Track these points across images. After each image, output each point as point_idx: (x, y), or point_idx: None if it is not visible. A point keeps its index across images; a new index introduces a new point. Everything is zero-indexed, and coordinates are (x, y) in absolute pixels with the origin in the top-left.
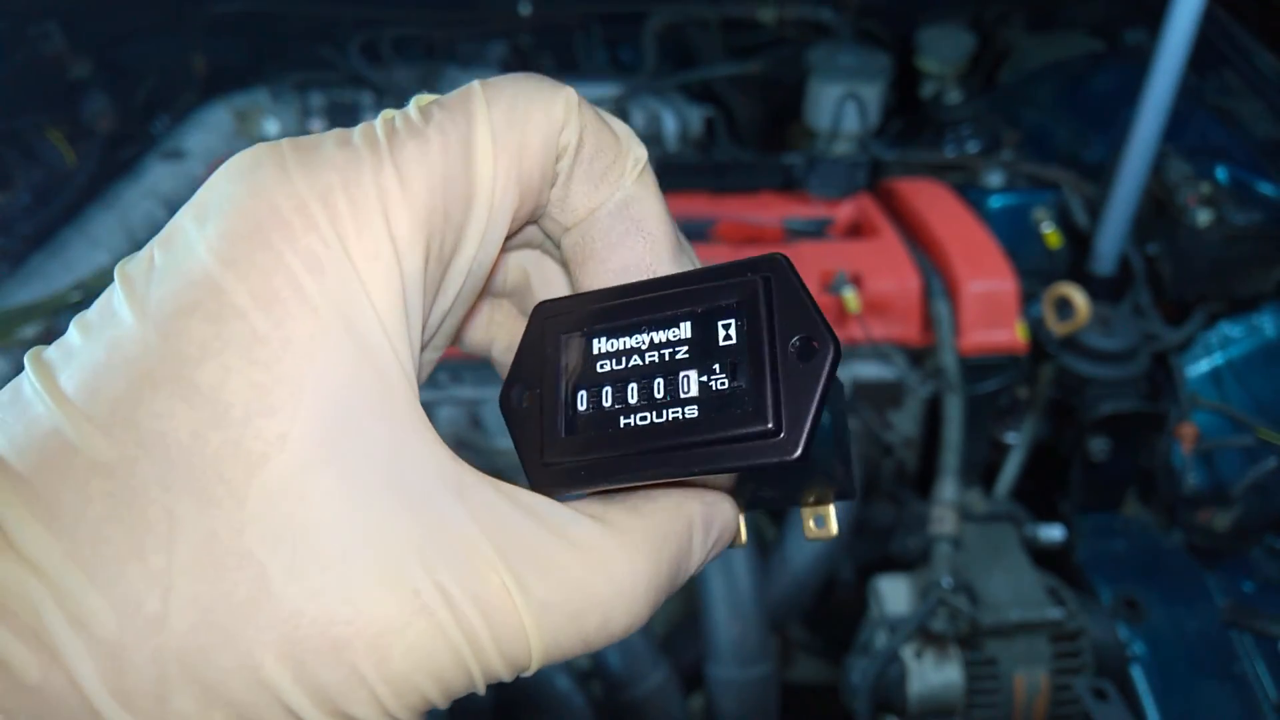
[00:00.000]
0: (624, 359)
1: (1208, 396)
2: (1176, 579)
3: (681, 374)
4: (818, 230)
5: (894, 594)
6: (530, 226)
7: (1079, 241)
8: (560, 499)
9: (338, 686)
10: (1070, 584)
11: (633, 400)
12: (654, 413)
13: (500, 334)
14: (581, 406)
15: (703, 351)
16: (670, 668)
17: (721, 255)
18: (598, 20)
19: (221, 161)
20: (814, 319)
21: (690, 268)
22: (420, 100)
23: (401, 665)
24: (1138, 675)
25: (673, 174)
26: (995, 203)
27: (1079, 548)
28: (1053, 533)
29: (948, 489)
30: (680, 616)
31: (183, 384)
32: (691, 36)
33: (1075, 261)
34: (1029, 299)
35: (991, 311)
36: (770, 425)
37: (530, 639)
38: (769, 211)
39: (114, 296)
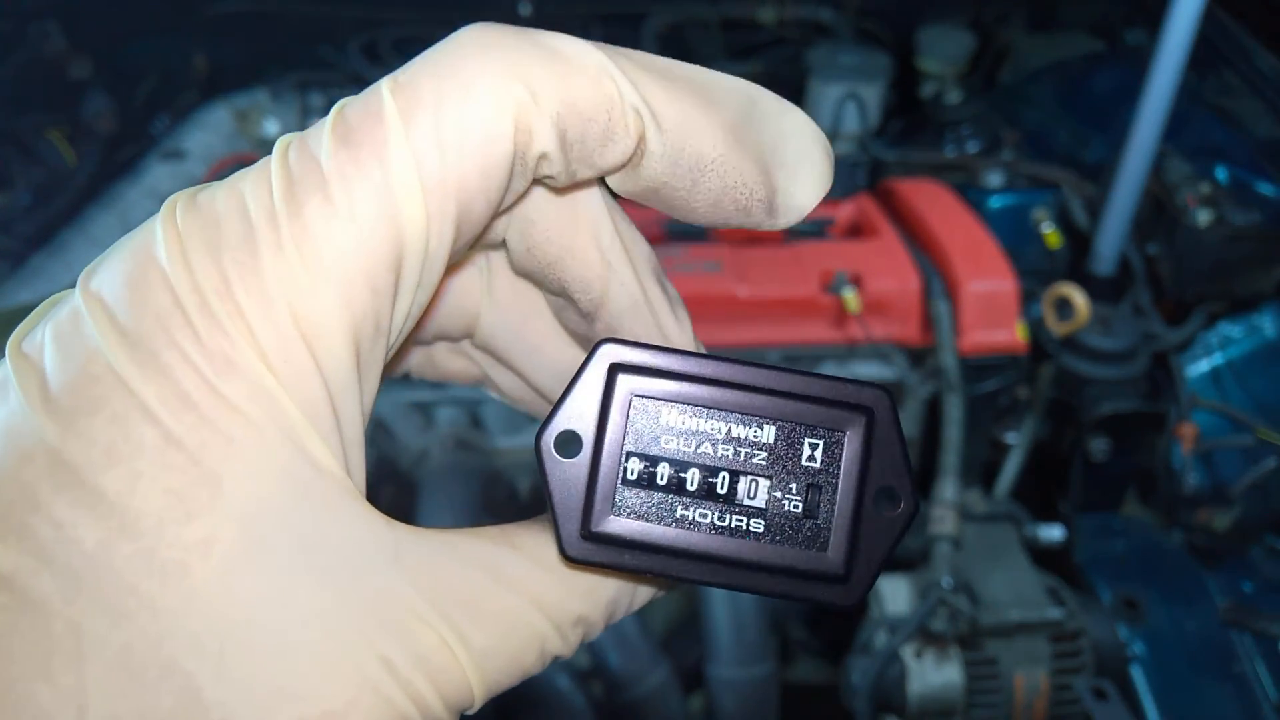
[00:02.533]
0: (694, 441)
1: (1207, 396)
2: (1176, 579)
3: (751, 479)
4: (818, 230)
5: (894, 594)
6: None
7: (1079, 241)
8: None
9: None
10: (1070, 584)
11: (691, 487)
12: (715, 513)
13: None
14: (630, 475)
15: (782, 464)
16: (670, 667)
17: (721, 255)
18: (598, 20)
19: (222, 162)
20: (905, 473)
21: (661, 290)
22: (331, 117)
23: None
24: (1137, 675)
25: None
26: (995, 203)
27: (1079, 548)
28: (1053, 533)
29: (948, 489)
30: (680, 616)
31: (86, 490)
32: (691, 37)
33: (1075, 261)
34: (1029, 299)
35: (991, 311)
36: (841, 571)
37: (474, 686)
38: None
39: (9, 384)
